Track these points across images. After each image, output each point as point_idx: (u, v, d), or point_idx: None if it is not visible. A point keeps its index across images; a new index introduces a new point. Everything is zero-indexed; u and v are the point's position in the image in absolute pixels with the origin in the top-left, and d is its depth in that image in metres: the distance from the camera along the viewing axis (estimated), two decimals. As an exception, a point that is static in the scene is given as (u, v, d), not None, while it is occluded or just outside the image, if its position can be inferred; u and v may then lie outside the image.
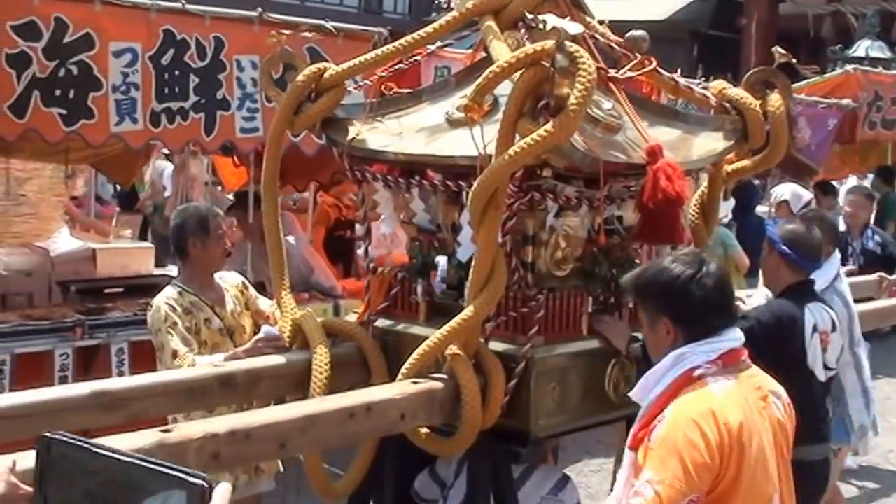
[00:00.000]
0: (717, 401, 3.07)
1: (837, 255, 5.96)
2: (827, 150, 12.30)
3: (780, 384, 4.70)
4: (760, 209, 11.67)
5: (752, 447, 3.06)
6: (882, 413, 8.25)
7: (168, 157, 10.88)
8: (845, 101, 12.15)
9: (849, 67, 13.34)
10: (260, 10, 7.15)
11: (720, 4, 29.87)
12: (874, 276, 7.40)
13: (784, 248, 5.02)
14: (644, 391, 3.28)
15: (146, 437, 3.26)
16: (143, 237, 10.69)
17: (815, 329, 5.00)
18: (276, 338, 4.57)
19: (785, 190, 10.80)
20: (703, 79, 10.26)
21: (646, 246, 4.60)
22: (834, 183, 13.14)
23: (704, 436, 3.01)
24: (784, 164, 11.56)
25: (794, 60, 4.47)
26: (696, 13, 29.31)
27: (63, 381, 6.38)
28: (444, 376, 3.93)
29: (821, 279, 5.68)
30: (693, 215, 4.84)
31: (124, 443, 3.19)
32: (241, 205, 8.13)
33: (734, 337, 3.21)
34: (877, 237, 9.30)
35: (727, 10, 28.95)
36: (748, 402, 3.14)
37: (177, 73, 6.76)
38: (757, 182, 11.57)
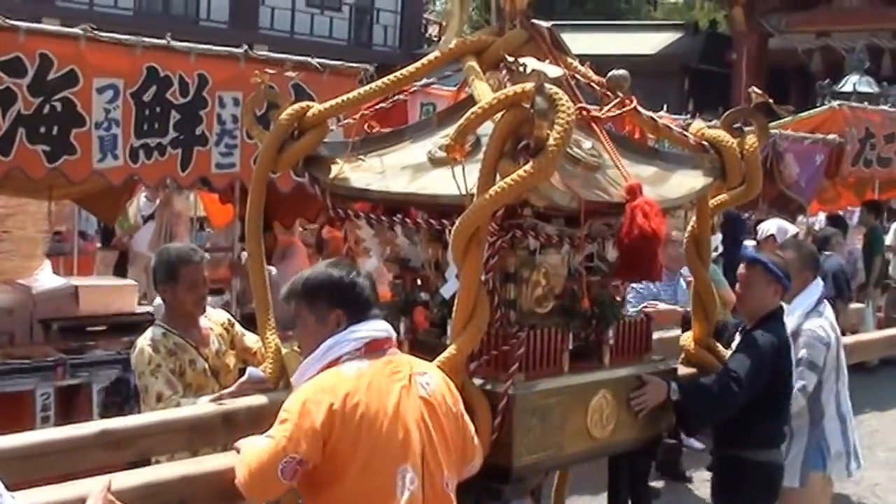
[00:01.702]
0: (344, 378, 3.37)
1: (819, 281, 6.04)
2: (816, 186, 12.34)
3: (767, 402, 5.00)
4: (747, 244, 11.69)
5: (375, 422, 3.31)
6: (870, 447, 8.25)
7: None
8: (831, 137, 12.19)
9: (835, 103, 13.40)
10: (245, 46, 7.16)
11: (710, 39, 30.16)
12: None
13: (784, 278, 5.26)
14: (301, 375, 3.57)
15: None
16: (117, 273, 10.65)
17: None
18: (261, 380, 4.54)
19: (771, 225, 10.88)
20: (693, 114, 10.37)
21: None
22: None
23: (318, 404, 3.28)
24: (772, 199, 11.64)
25: (772, 100, 4.51)
26: (686, 48, 29.53)
27: (45, 421, 6.32)
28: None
29: (804, 303, 5.83)
30: (689, 252, 5.00)
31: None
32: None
33: (378, 328, 3.54)
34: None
35: (717, 44, 29.22)
36: (383, 381, 3.40)
37: (157, 109, 6.74)
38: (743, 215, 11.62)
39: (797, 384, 5.63)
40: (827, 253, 10.63)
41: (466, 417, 3.71)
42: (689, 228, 5.02)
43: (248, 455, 3.38)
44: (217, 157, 7.11)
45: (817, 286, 6.00)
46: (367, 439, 3.29)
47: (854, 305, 9.84)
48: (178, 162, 6.93)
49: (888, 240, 14.73)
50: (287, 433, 3.28)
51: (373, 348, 3.48)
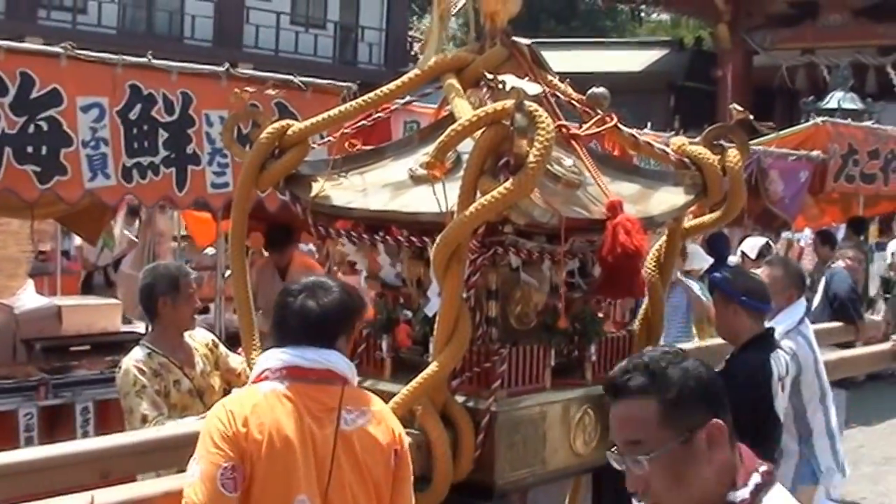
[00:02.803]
0: (255, 395, 3.32)
1: (803, 300, 6.02)
2: (801, 202, 12.36)
3: (750, 429, 4.82)
4: (731, 260, 11.73)
5: (274, 445, 3.23)
6: (855, 462, 8.25)
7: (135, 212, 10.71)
8: (815, 153, 12.21)
9: (818, 119, 13.43)
10: (227, 65, 7.13)
11: (695, 56, 30.31)
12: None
13: (743, 298, 5.08)
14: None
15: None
16: (83, 293, 10.62)
17: (778, 377, 5.13)
18: None
19: (745, 245, 11.03)
20: (679, 130, 10.40)
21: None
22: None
23: (228, 413, 3.25)
24: (756, 215, 11.67)
25: (757, 116, 4.52)
26: (672, 65, 29.69)
27: (29, 441, 6.26)
28: (416, 431, 3.91)
29: (786, 321, 5.76)
30: (650, 269, 4.86)
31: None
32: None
33: (306, 356, 3.37)
34: None
35: (702, 62, 29.36)
36: (297, 407, 3.30)
37: (145, 127, 6.67)
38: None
39: None
40: (837, 266, 10.64)
41: (408, 462, 3.52)
42: (656, 246, 4.87)
43: (187, 492, 3.22)
44: (211, 176, 7.05)
45: (800, 305, 5.97)
46: (266, 459, 3.22)
47: (869, 318, 9.85)
48: (173, 182, 6.87)
49: (888, 258, 14.76)
50: (209, 446, 3.22)
51: (295, 374, 3.34)
